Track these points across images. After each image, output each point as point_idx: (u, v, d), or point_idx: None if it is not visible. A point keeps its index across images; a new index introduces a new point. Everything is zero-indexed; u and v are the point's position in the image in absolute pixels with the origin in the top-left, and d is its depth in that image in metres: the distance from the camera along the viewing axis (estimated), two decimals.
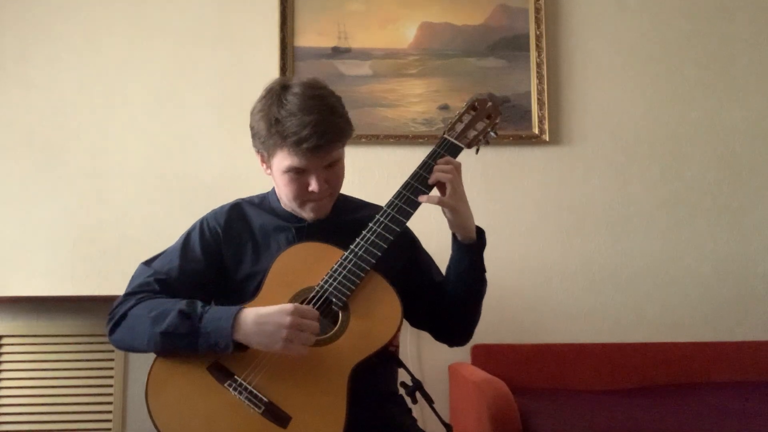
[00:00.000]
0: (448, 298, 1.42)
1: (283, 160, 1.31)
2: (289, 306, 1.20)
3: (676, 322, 2.59)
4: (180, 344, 1.22)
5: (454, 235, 1.39)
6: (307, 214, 1.39)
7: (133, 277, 1.37)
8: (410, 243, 1.51)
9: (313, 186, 1.32)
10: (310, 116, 1.27)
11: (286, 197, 1.39)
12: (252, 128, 1.37)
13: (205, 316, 1.22)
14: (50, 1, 2.64)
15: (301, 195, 1.35)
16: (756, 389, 2.27)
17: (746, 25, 2.74)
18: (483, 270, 1.41)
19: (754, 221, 2.66)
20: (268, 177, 1.48)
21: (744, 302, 2.62)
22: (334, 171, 1.36)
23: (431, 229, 1.61)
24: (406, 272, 1.44)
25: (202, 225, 1.43)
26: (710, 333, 2.57)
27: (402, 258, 1.43)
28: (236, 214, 1.45)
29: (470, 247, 1.37)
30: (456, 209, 1.33)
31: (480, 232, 1.38)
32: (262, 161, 1.40)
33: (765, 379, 2.41)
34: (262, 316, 1.20)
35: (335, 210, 1.44)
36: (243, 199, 1.50)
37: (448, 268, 1.43)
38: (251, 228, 1.42)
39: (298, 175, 1.32)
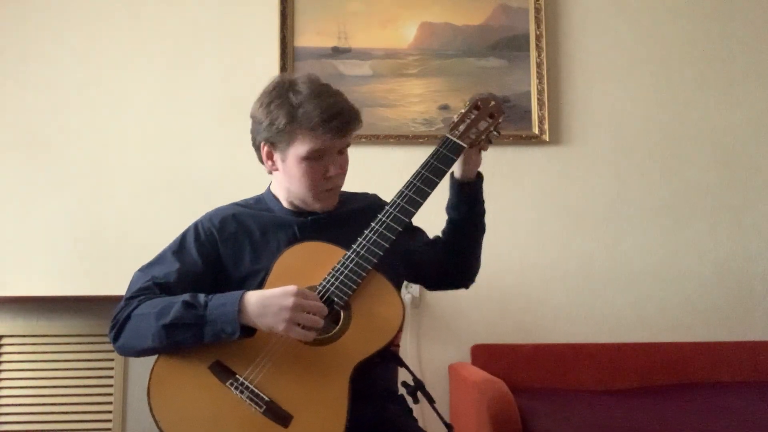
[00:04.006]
0: (454, 239, 1.50)
1: (303, 145, 1.34)
2: (292, 288, 1.20)
3: (676, 322, 2.59)
4: (186, 335, 1.22)
5: (459, 183, 1.46)
6: (320, 204, 1.41)
7: (131, 283, 1.37)
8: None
9: (332, 170, 1.36)
10: (330, 99, 1.34)
11: (301, 188, 1.39)
12: (260, 121, 1.37)
13: (209, 304, 1.22)
14: (50, 1, 2.64)
15: (318, 184, 1.38)
16: (756, 389, 2.27)
17: (745, 25, 2.75)
18: (483, 201, 1.51)
19: (754, 221, 2.66)
20: (267, 177, 1.48)
21: (744, 302, 2.62)
22: (344, 157, 1.41)
23: (432, 226, 1.61)
24: (408, 253, 1.48)
25: (197, 228, 1.43)
26: (710, 333, 2.57)
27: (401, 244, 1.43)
28: (231, 216, 1.44)
29: (476, 182, 1.47)
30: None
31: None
32: (269, 157, 1.40)
33: (765, 379, 2.41)
34: (265, 297, 1.21)
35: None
36: (236, 203, 1.50)
37: (454, 209, 1.49)
38: (248, 227, 1.42)
39: (316, 161, 1.35)
